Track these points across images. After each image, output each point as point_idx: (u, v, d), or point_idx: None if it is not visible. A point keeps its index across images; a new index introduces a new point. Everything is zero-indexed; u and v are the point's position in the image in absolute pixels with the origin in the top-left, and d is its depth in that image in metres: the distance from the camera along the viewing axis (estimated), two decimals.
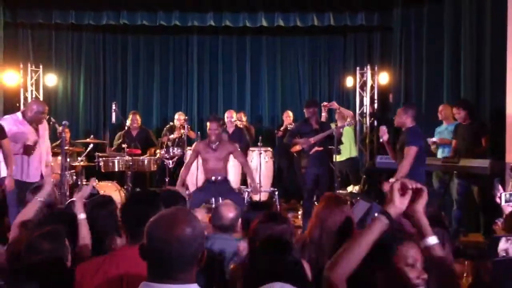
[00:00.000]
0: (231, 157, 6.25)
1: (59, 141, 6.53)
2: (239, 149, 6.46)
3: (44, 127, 5.70)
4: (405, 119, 5.25)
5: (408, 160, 4.97)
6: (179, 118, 8.44)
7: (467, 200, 6.04)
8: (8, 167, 5.12)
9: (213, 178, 5.99)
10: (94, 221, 3.07)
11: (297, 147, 6.93)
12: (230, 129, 7.91)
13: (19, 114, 5.48)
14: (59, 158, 7.06)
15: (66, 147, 5.88)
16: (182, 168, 6.27)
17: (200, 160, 7.26)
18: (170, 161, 7.45)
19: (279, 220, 2.68)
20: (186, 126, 7.57)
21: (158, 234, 1.57)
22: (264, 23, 8.40)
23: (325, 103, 7.58)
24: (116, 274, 2.15)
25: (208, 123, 6.10)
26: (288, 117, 8.57)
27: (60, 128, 5.81)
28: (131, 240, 2.27)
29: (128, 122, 7.89)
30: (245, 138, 7.99)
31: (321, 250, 2.78)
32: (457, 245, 5.51)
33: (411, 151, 5.00)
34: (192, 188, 7.14)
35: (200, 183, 6.66)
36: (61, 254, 2.32)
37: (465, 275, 3.89)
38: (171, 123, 8.51)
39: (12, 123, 5.31)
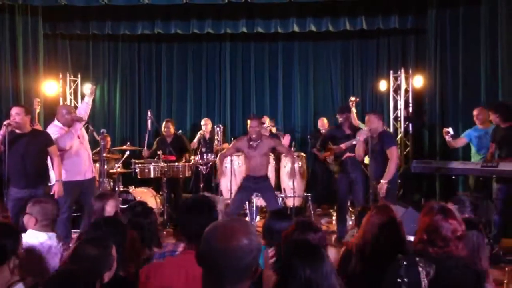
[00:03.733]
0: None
1: (98, 148, 6.70)
2: (279, 141, 6.53)
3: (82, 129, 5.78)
4: (378, 124, 5.74)
5: (394, 161, 5.56)
6: (205, 123, 8.52)
7: (508, 205, 5.87)
8: (57, 173, 5.27)
9: (253, 174, 6.05)
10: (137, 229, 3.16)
11: (327, 154, 6.92)
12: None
13: (56, 122, 5.56)
14: (97, 165, 7.27)
15: (104, 154, 6.02)
16: (218, 157, 6.47)
17: (234, 165, 7.36)
18: (204, 167, 7.54)
19: (315, 229, 2.67)
20: (219, 133, 7.64)
21: (215, 243, 1.56)
22: (296, 29, 8.41)
23: (352, 98, 7.53)
24: (174, 277, 2.21)
25: (248, 121, 6.15)
26: (322, 123, 8.51)
27: (98, 136, 5.95)
28: (188, 245, 2.32)
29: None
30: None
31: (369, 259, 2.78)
32: (496, 251, 5.38)
33: (394, 152, 5.58)
34: (226, 195, 7.21)
35: (233, 190, 6.74)
36: (106, 261, 2.35)
37: (505, 281, 3.79)
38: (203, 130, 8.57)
39: (57, 130, 5.43)
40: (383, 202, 5.25)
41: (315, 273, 2.00)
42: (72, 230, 5.52)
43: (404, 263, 2.42)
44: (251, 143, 6.01)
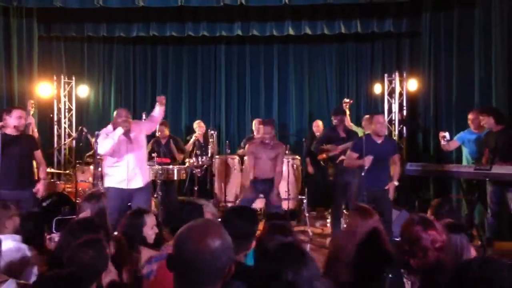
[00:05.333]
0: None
1: (92, 151, 6.67)
2: (283, 155, 6.54)
3: (137, 132, 5.33)
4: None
5: (400, 165, 5.81)
6: (199, 126, 8.50)
7: (501, 207, 5.90)
8: (42, 174, 5.33)
9: (261, 177, 6.09)
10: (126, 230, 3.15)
11: (324, 155, 6.91)
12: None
13: (109, 126, 5.30)
14: (91, 167, 7.24)
15: (98, 157, 5.97)
16: (246, 174, 6.43)
17: (231, 169, 7.36)
18: (199, 170, 7.53)
19: (286, 232, 2.66)
20: (214, 136, 7.64)
21: (188, 245, 1.54)
22: (291, 32, 8.42)
23: (346, 100, 7.54)
24: None
25: (261, 126, 6.22)
26: (317, 126, 8.51)
27: (92, 139, 5.93)
28: None
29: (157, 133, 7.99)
30: None
31: (344, 258, 2.78)
32: (491, 254, 5.39)
33: (399, 158, 5.84)
34: (221, 198, 7.23)
35: (228, 193, 6.75)
36: (101, 263, 2.35)
37: None
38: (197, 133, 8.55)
39: (102, 133, 5.23)
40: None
41: (298, 276, 1.99)
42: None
43: (390, 275, 2.44)
44: (265, 145, 6.07)
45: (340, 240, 2.90)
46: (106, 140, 5.08)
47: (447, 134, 6.34)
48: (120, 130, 5.07)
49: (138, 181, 5.27)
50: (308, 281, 1.99)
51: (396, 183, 5.60)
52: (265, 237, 2.59)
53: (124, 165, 5.18)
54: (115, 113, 5.33)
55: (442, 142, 6.35)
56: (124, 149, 5.18)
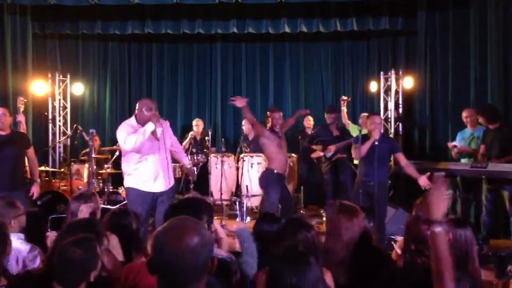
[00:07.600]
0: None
1: (87, 149, 6.63)
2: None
3: (164, 129, 4.78)
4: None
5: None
6: (197, 124, 8.49)
7: (497, 205, 5.91)
8: (34, 174, 5.32)
9: (283, 172, 5.78)
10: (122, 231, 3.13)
11: (318, 153, 6.91)
12: (251, 136, 7.92)
13: (132, 118, 4.77)
14: (87, 165, 7.21)
15: (93, 155, 5.94)
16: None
17: (225, 166, 7.33)
18: (195, 168, 7.51)
19: (307, 227, 2.66)
20: (209, 134, 7.63)
21: (168, 247, 1.53)
22: (287, 29, 8.40)
23: (344, 97, 7.52)
24: (145, 277, 2.20)
25: (269, 113, 5.94)
26: (308, 120, 8.52)
27: (87, 137, 5.88)
28: None
29: None
30: None
31: (337, 260, 2.76)
32: (486, 252, 5.41)
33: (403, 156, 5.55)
34: (216, 195, 7.21)
35: (224, 191, 6.70)
36: (92, 261, 2.33)
37: (494, 282, 3.80)
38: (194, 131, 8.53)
39: (125, 128, 4.65)
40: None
41: (301, 280, 1.99)
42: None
43: None
44: (277, 132, 5.74)
45: (327, 243, 2.85)
46: (135, 135, 4.46)
47: (455, 143, 6.34)
48: (151, 126, 4.47)
49: (162, 184, 4.70)
50: (312, 284, 1.99)
51: (424, 176, 5.36)
52: (287, 233, 2.58)
53: (147, 165, 4.63)
54: (141, 105, 4.72)
55: (455, 151, 6.31)
56: (148, 146, 4.61)
